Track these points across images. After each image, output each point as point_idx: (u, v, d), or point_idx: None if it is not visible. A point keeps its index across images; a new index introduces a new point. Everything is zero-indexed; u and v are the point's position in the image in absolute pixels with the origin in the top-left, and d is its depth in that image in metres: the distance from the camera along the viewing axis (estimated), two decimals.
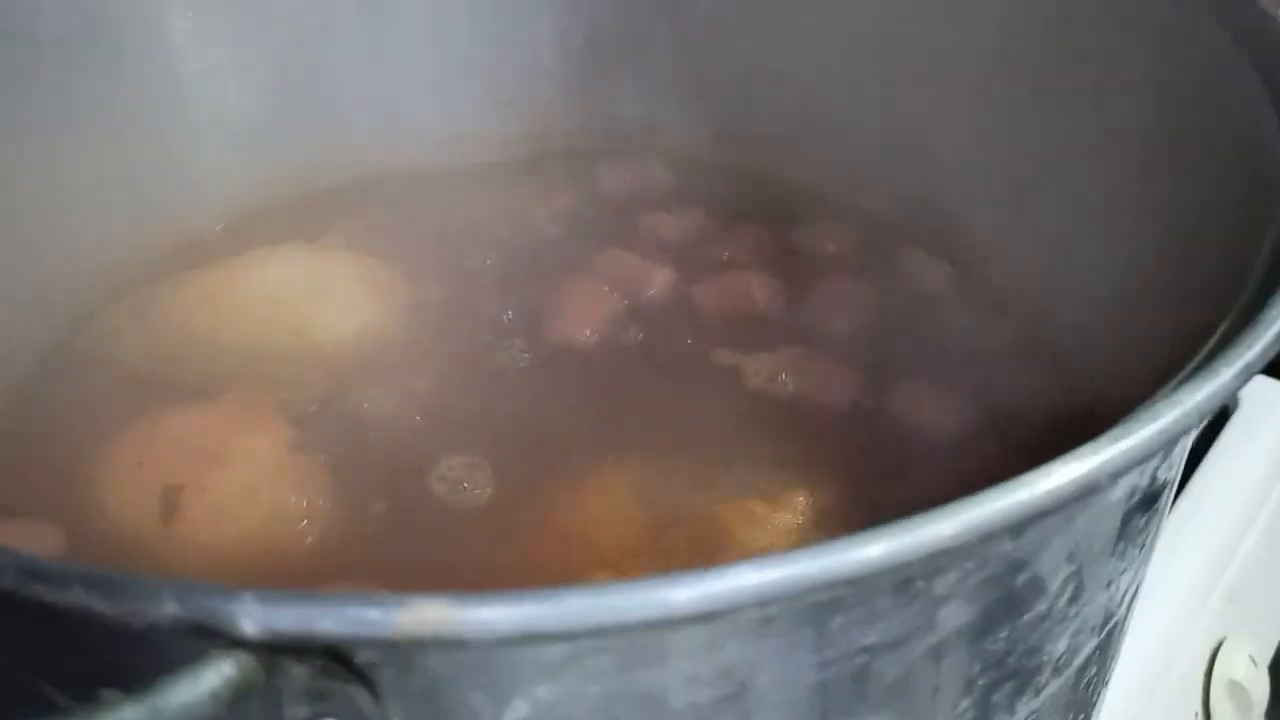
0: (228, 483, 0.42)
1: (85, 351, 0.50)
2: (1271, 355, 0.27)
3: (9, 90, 0.49)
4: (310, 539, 0.42)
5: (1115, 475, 0.23)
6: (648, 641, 0.24)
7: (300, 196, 0.59)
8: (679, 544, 0.40)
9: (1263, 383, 0.62)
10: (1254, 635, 0.57)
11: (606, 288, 0.52)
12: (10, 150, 0.49)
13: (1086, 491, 0.23)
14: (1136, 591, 0.35)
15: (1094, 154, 0.46)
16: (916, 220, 0.56)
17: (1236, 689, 0.54)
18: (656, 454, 0.44)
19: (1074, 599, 0.29)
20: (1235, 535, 0.57)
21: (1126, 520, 0.30)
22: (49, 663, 0.26)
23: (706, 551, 0.40)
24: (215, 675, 0.21)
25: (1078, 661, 0.32)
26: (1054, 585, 0.28)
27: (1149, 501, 0.31)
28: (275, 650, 0.21)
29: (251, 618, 0.21)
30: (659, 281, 0.53)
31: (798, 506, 0.41)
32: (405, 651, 0.22)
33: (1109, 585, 0.31)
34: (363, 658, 0.22)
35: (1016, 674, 0.30)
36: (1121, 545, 0.31)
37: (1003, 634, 0.28)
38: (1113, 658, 0.37)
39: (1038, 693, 0.31)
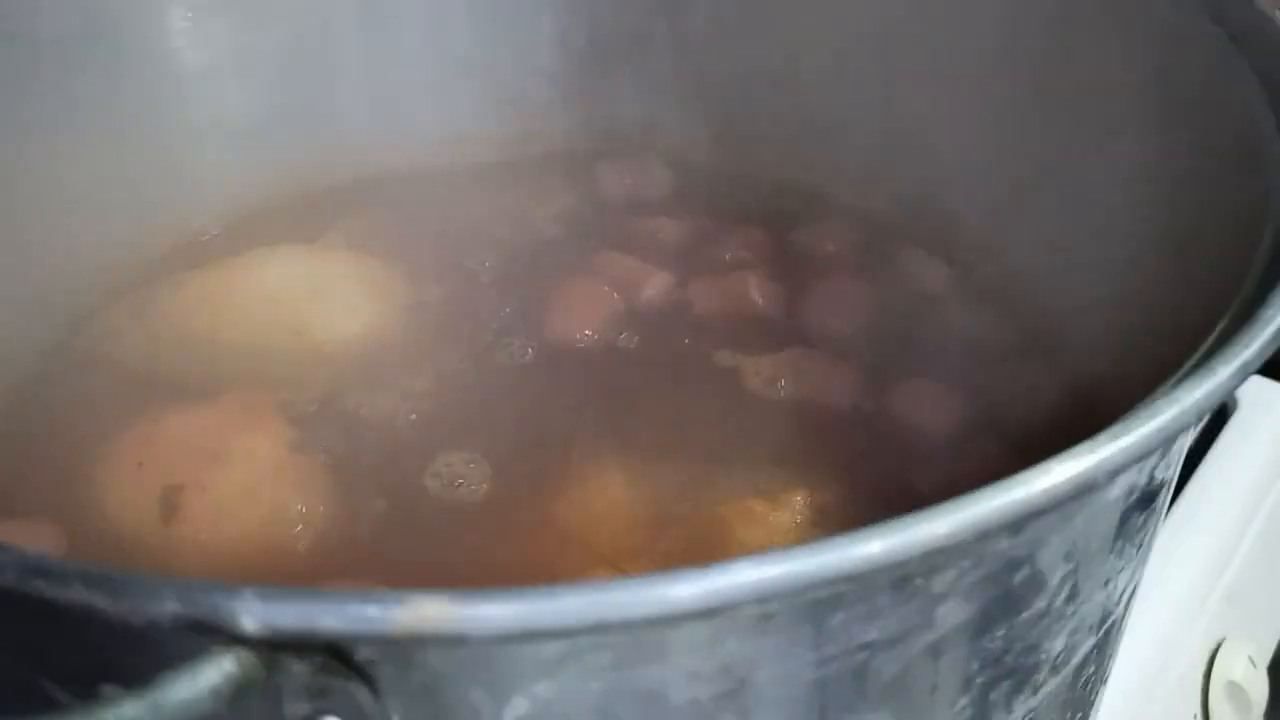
0: (228, 483, 0.42)
1: (85, 351, 0.50)
2: (1269, 354, 0.27)
3: (9, 90, 0.49)
4: (310, 539, 0.42)
5: (1113, 473, 0.24)
6: (648, 638, 0.24)
7: (300, 196, 0.59)
8: (678, 543, 0.40)
9: (1261, 384, 0.62)
10: (1253, 636, 0.57)
11: (606, 288, 0.52)
12: (10, 150, 0.49)
13: (1084, 490, 0.23)
14: (1134, 591, 0.35)
15: (1094, 154, 0.46)
16: (916, 220, 0.56)
17: (1235, 690, 0.54)
18: (656, 454, 0.44)
19: (1072, 597, 0.29)
20: (1234, 537, 0.57)
21: (1124, 519, 0.30)
22: (50, 659, 0.26)
23: (706, 551, 0.40)
24: (215, 672, 0.21)
25: (1075, 660, 0.32)
26: (1052, 583, 0.28)
27: (1147, 500, 0.31)
28: (275, 647, 0.21)
29: (252, 614, 0.21)
30: (658, 282, 0.53)
31: (797, 506, 0.41)
32: (405, 648, 0.22)
33: (1107, 584, 0.31)
34: (363, 654, 0.22)
35: (1014, 672, 0.30)
36: (1119, 544, 0.31)
37: (1000, 632, 0.28)
38: (1111, 657, 0.37)
39: (1035, 691, 0.31)
